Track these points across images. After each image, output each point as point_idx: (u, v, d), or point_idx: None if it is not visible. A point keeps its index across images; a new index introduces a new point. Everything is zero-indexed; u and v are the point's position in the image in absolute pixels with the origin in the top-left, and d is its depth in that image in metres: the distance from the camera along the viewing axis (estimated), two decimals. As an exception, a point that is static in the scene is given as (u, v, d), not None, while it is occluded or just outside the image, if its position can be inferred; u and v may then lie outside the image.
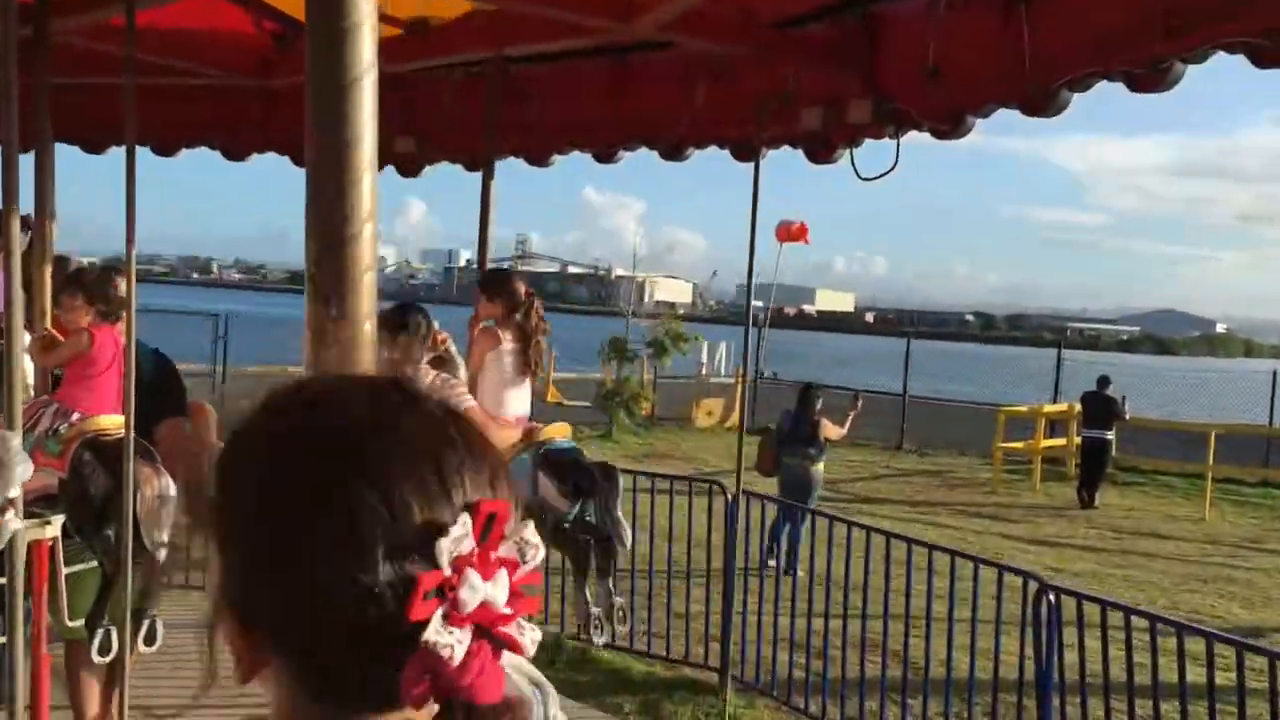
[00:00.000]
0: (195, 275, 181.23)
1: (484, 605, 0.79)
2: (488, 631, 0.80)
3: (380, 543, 0.78)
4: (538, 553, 0.84)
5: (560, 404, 25.14)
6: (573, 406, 24.10)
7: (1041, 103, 4.16)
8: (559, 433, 5.41)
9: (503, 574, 0.81)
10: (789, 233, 22.70)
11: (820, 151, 5.22)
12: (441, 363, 5.16)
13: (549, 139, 6.21)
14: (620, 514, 5.19)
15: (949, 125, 4.57)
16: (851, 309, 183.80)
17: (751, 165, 5.75)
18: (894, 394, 23.53)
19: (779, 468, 10.57)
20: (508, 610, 0.81)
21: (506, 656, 0.85)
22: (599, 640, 5.47)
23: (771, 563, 9.39)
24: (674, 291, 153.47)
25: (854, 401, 11.47)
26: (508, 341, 5.31)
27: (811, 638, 6.65)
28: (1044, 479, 17.91)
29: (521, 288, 5.48)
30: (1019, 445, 18.55)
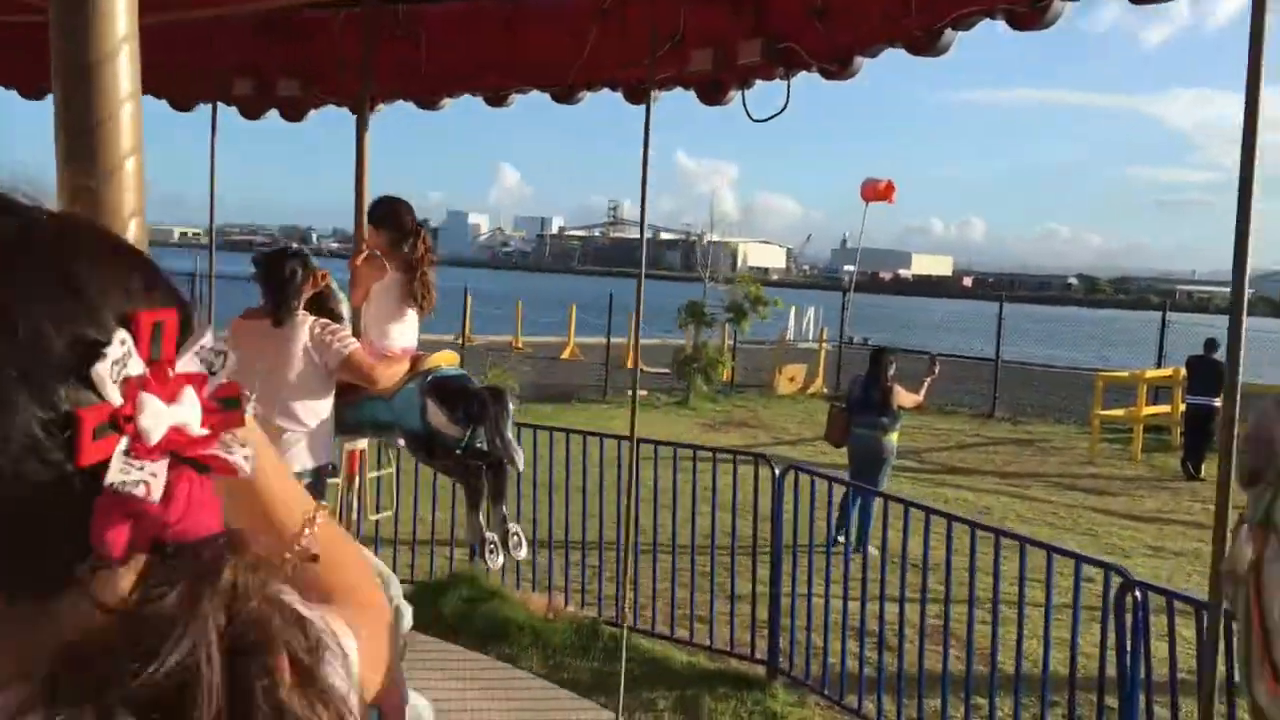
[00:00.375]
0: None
1: (174, 430, 0.70)
2: (187, 458, 0.71)
3: (18, 383, 0.66)
4: (227, 360, 0.75)
5: (642, 370, 24.76)
6: (653, 373, 23.74)
7: (926, 43, 4.16)
8: (445, 360, 5.40)
9: (189, 392, 0.72)
10: (875, 191, 21.91)
11: (712, 93, 5.13)
12: (323, 300, 5.14)
13: (437, 81, 6.03)
14: (511, 436, 5.18)
15: (837, 66, 4.59)
16: (949, 273, 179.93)
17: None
18: (986, 359, 22.66)
19: (849, 438, 9.88)
20: (204, 431, 0.72)
21: None
22: (493, 565, 5.49)
23: (841, 539, 8.74)
24: (767, 256, 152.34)
25: (930, 366, 10.66)
26: (393, 271, 5.25)
27: (867, 622, 6.04)
28: (1146, 449, 16.87)
29: (409, 218, 5.38)
30: (1119, 413, 17.55)
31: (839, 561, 6.26)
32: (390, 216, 5.37)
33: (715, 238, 31.46)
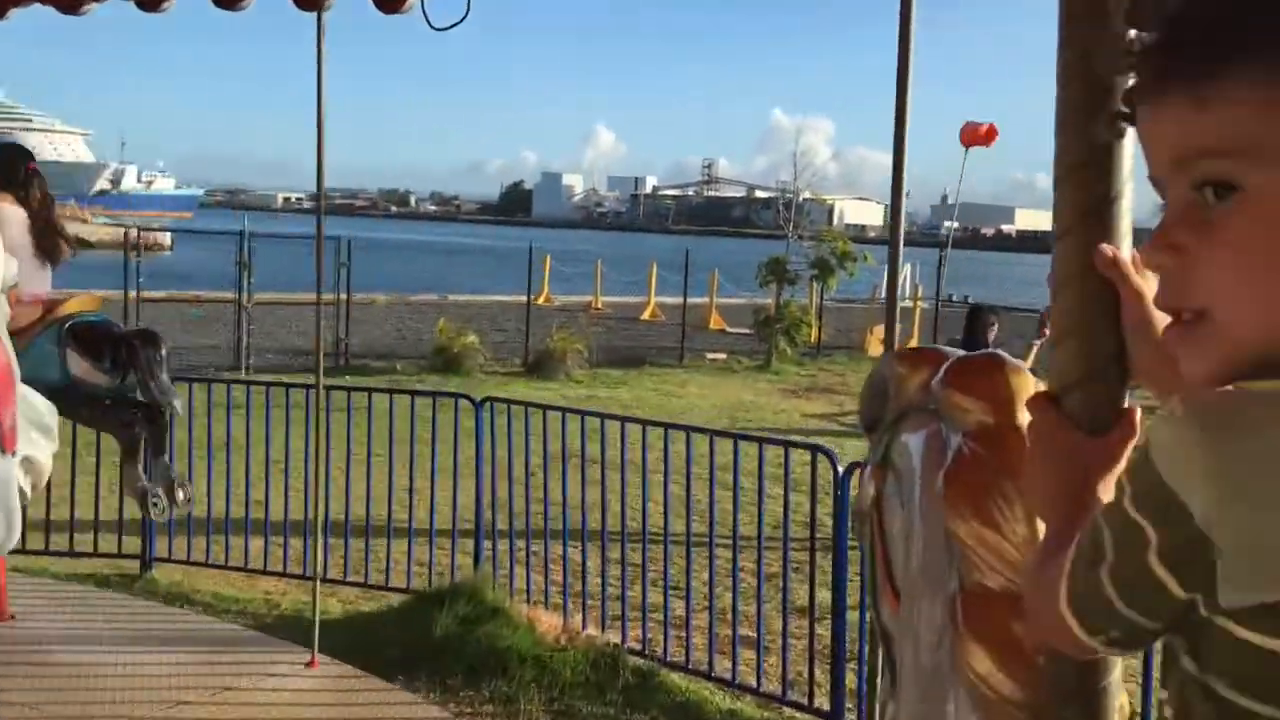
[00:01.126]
0: (393, 208, 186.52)
1: None
2: None
3: None
4: None
5: (723, 331, 23.45)
6: (734, 333, 22.40)
7: None
8: (84, 305, 5.18)
9: None
10: (974, 135, 20.17)
11: (387, 1, 4.81)
12: None
13: None
14: (167, 380, 4.97)
15: None
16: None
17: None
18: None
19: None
20: None
21: None
22: (159, 518, 5.31)
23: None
24: (864, 213, 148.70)
25: (1041, 326, 9.10)
26: (8, 210, 4.92)
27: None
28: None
29: (21, 164, 5.09)
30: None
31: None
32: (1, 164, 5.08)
33: (807, 194, 30.01)
